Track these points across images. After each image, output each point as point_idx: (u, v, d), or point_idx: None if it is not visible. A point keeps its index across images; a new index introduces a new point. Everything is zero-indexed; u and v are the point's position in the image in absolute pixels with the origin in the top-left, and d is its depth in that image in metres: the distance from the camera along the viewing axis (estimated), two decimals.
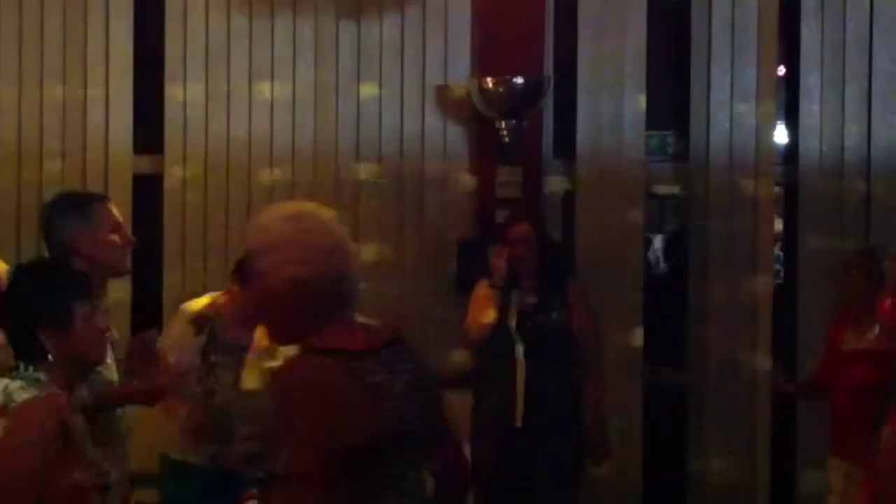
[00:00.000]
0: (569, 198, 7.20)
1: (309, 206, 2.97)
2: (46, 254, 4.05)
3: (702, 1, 7.09)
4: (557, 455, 5.89)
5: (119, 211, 6.71)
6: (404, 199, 6.99)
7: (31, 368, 3.07)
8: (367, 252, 6.91)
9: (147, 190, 6.99)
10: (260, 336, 4.91)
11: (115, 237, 4.03)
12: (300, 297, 2.78)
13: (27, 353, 3.11)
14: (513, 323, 5.88)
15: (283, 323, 2.85)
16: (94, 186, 6.80)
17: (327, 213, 2.89)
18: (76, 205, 4.08)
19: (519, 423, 5.87)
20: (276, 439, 2.76)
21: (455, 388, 6.44)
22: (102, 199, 4.23)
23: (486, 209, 6.93)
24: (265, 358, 4.92)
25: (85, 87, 6.94)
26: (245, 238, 4.82)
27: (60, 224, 3.97)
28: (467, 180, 6.99)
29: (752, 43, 7.08)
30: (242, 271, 4.95)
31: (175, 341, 4.84)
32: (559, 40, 7.14)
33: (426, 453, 2.85)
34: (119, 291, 6.73)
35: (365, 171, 6.98)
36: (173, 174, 6.96)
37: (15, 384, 3.03)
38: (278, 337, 2.93)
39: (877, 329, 5.40)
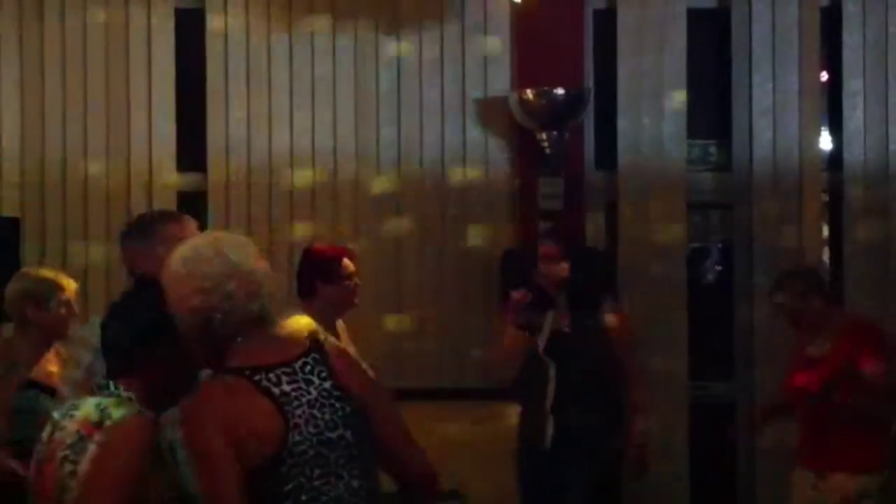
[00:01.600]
0: (611, 209, 7.18)
1: (211, 235, 3.19)
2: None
3: (742, 8, 7.07)
4: (586, 478, 5.76)
5: None
6: (446, 211, 7.00)
7: (121, 388, 3.05)
8: (409, 264, 6.93)
9: (191, 207, 7.02)
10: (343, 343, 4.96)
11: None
12: (207, 324, 2.93)
13: (119, 372, 3.09)
14: (542, 344, 5.79)
15: (203, 349, 3.00)
16: (139, 204, 6.88)
17: (229, 239, 3.07)
18: (145, 225, 4.03)
19: (548, 445, 5.78)
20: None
21: (501, 400, 6.48)
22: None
23: (528, 221, 6.91)
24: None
25: (128, 107, 7.01)
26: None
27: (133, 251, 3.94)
28: (509, 192, 6.98)
29: (794, 50, 7.04)
30: (299, 285, 5.02)
31: None
32: (599, 51, 7.14)
33: (350, 460, 2.96)
34: None
35: (406, 184, 7.00)
36: (217, 192, 7.01)
37: (108, 401, 3.03)
38: (207, 362, 3.05)
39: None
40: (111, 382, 3.08)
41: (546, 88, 6.76)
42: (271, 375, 2.91)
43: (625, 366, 5.83)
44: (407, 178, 7.00)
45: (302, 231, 6.94)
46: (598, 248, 7.03)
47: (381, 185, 7.01)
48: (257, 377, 2.90)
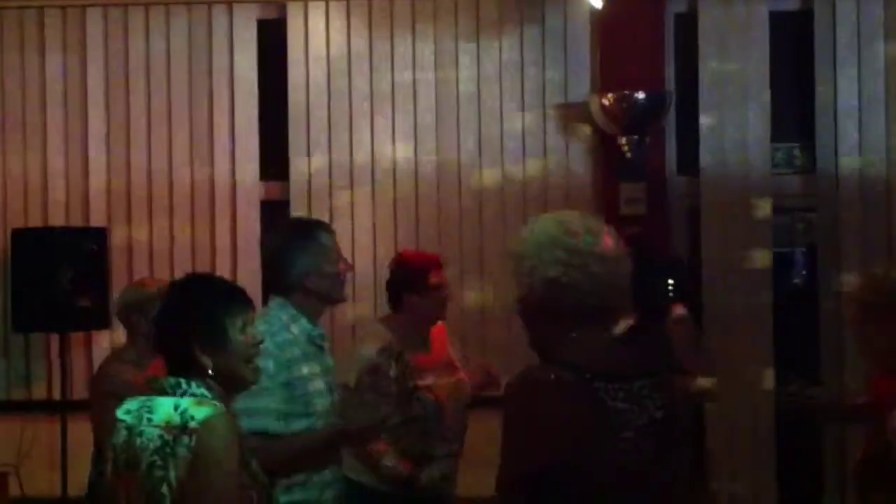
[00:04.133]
0: (694, 214, 7.12)
1: (579, 213, 2.84)
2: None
3: (826, 9, 6.98)
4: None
5: (247, 236, 6.96)
6: (527, 217, 6.96)
7: (193, 385, 3.04)
8: (491, 271, 6.92)
9: (274, 216, 7.10)
10: (436, 352, 4.93)
11: (336, 267, 3.99)
12: (555, 302, 2.68)
13: (186, 370, 3.06)
14: None
15: (536, 328, 2.74)
16: (223, 213, 6.97)
17: (598, 222, 2.79)
18: (301, 234, 4.02)
19: None
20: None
21: None
22: (325, 227, 4.16)
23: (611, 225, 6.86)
24: (446, 371, 4.93)
25: (211, 117, 7.10)
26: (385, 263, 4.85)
27: (285, 253, 3.93)
28: (590, 197, 6.96)
29: (879, 50, 6.94)
30: (389, 296, 4.97)
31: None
32: (680, 54, 7.09)
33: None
34: None
35: (487, 189, 7.00)
36: (299, 200, 7.06)
37: (186, 402, 2.99)
38: (533, 344, 2.80)
39: None
40: (182, 380, 3.04)
41: (627, 92, 6.72)
42: (608, 385, 2.62)
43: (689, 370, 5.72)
44: (487, 184, 7.00)
45: (384, 239, 6.97)
46: (677, 253, 6.96)
47: (461, 191, 7.01)
48: (597, 384, 2.61)
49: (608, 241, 2.74)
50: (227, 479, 2.95)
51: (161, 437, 2.97)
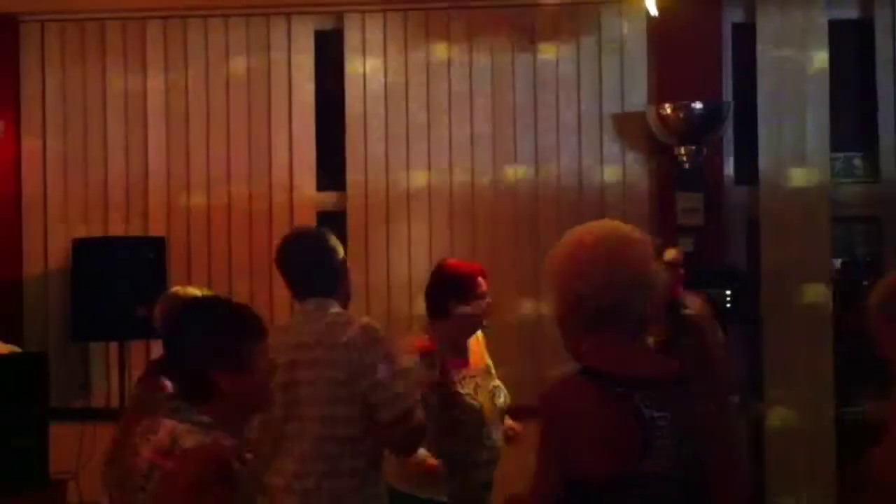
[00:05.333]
0: (753, 225, 7.06)
1: (609, 223, 2.93)
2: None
3: (886, 17, 6.91)
4: None
5: None
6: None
7: (195, 412, 2.97)
8: (547, 281, 6.90)
9: (331, 227, 7.10)
10: (475, 359, 4.94)
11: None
12: (579, 312, 2.75)
13: (195, 393, 3.01)
14: None
15: (570, 338, 2.81)
16: (280, 224, 6.99)
17: (626, 231, 2.86)
18: (335, 242, 4.32)
19: None
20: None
21: None
22: None
23: (668, 237, 6.82)
24: (486, 377, 4.94)
25: (269, 128, 7.14)
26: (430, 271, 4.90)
27: (331, 258, 4.21)
28: (647, 208, 6.92)
29: None
30: (430, 304, 4.98)
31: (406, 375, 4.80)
32: (739, 64, 7.04)
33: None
34: None
35: (543, 200, 6.98)
36: (356, 210, 7.08)
37: (182, 427, 2.96)
38: (570, 353, 2.85)
39: None
40: (184, 405, 3.00)
41: (684, 102, 6.69)
42: (642, 392, 2.66)
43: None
44: (544, 194, 6.99)
45: (439, 249, 6.97)
46: (734, 264, 6.90)
47: (518, 202, 7.00)
48: (631, 392, 2.65)
49: (631, 253, 2.79)
50: None
51: (150, 460, 2.97)
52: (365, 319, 4.20)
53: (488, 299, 4.95)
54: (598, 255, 2.77)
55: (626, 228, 2.86)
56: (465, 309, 4.84)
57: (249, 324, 3.09)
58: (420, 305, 6.75)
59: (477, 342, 5.02)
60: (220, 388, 2.98)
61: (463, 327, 4.90)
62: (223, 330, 3.04)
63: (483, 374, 4.95)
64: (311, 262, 4.20)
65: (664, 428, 2.63)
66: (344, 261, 4.27)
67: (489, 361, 5.06)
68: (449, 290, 4.88)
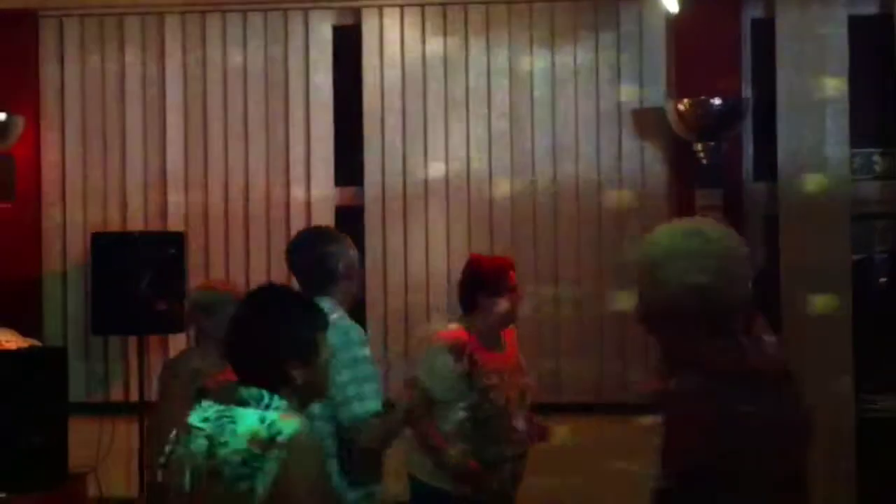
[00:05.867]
0: (771, 221, 7.04)
1: (705, 220, 2.82)
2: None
3: None
4: None
5: None
6: (601, 223, 6.96)
7: (276, 398, 3.04)
8: (565, 277, 6.90)
9: (348, 222, 7.13)
10: (507, 354, 4.95)
11: (357, 270, 4.31)
12: (699, 307, 2.65)
13: (271, 383, 3.06)
14: None
15: (676, 336, 2.70)
16: (298, 219, 7.02)
17: (724, 228, 2.76)
18: (334, 238, 4.32)
19: None
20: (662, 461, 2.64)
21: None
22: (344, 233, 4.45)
23: None
24: (517, 373, 4.96)
25: (287, 123, 7.15)
26: (462, 269, 4.89)
27: (323, 255, 4.19)
28: (665, 204, 6.91)
29: None
30: (462, 299, 5.01)
31: (435, 370, 4.82)
32: (757, 60, 7.02)
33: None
34: None
35: (562, 196, 6.98)
36: (373, 206, 7.09)
37: (272, 415, 3.00)
38: (670, 352, 2.76)
39: None
40: (265, 393, 3.04)
41: (703, 98, 6.67)
42: (744, 390, 2.61)
43: None
44: (562, 189, 6.98)
45: (457, 244, 6.98)
46: (753, 261, 6.88)
47: (536, 197, 7.00)
48: (740, 389, 2.61)
49: (740, 244, 2.73)
50: (315, 495, 2.97)
51: (247, 449, 2.96)
52: (345, 322, 4.13)
53: (519, 293, 5.00)
54: (719, 248, 2.68)
55: (721, 225, 2.78)
56: (495, 302, 4.86)
57: (319, 315, 3.21)
58: (437, 300, 6.85)
59: (511, 338, 5.05)
60: (291, 377, 3.08)
61: (494, 320, 4.94)
62: (299, 320, 3.15)
63: (515, 371, 4.97)
64: (304, 264, 4.25)
65: (770, 420, 2.64)
66: (347, 260, 4.24)
67: (522, 360, 5.08)
68: (479, 284, 4.94)
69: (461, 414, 4.79)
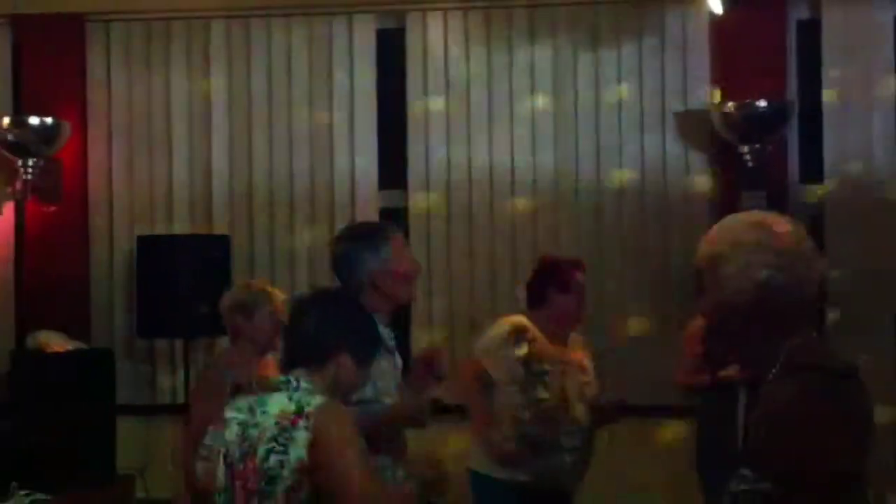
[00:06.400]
0: (817, 223, 6.99)
1: (773, 214, 2.72)
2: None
3: None
4: None
5: None
6: (647, 225, 6.95)
7: (302, 380, 3.12)
8: (609, 280, 6.89)
9: (393, 223, 7.13)
10: (572, 348, 4.98)
11: (402, 268, 4.01)
12: (771, 302, 2.58)
13: (314, 364, 3.17)
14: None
15: (746, 331, 2.61)
16: (342, 222, 7.01)
17: (791, 222, 2.67)
18: (367, 236, 4.07)
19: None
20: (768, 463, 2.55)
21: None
22: (393, 229, 4.17)
23: None
24: (578, 371, 4.98)
25: (331, 127, 7.18)
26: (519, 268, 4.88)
27: (351, 255, 4.00)
28: (710, 206, 6.89)
29: None
30: (530, 294, 5.02)
31: (493, 350, 4.89)
32: (803, 61, 6.98)
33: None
34: None
35: (605, 198, 6.97)
36: (417, 206, 7.11)
37: (299, 393, 3.09)
38: (738, 346, 2.68)
39: None
40: (291, 377, 3.13)
41: (748, 101, 6.65)
42: (843, 384, 2.54)
43: None
44: (606, 192, 6.98)
45: (501, 245, 6.99)
46: None
47: (580, 199, 6.99)
48: (841, 384, 2.54)
49: (806, 242, 2.70)
50: (353, 452, 3.01)
51: (277, 424, 3.05)
52: None
53: (584, 294, 5.04)
54: (784, 242, 2.59)
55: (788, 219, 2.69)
56: (563, 297, 4.92)
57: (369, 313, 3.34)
58: (481, 303, 6.86)
59: (577, 343, 5.08)
60: (333, 365, 3.18)
61: (561, 316, 4.99)
62: (364, 319, 3.30)
63: (578, 368, 4.99)
64: (335, 272, 4.20)
65: (861, 415, 2.57)
66: (369, 267, 3.97)
67: (587, 363, 5.09)
68: (548, 279, 5.01)
69: (515, 398, 4.83)
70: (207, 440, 3.21)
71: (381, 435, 3.74)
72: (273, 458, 3.03)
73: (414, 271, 4.06)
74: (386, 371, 3.92)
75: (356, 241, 4.03)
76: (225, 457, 3.13)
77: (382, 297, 3.93)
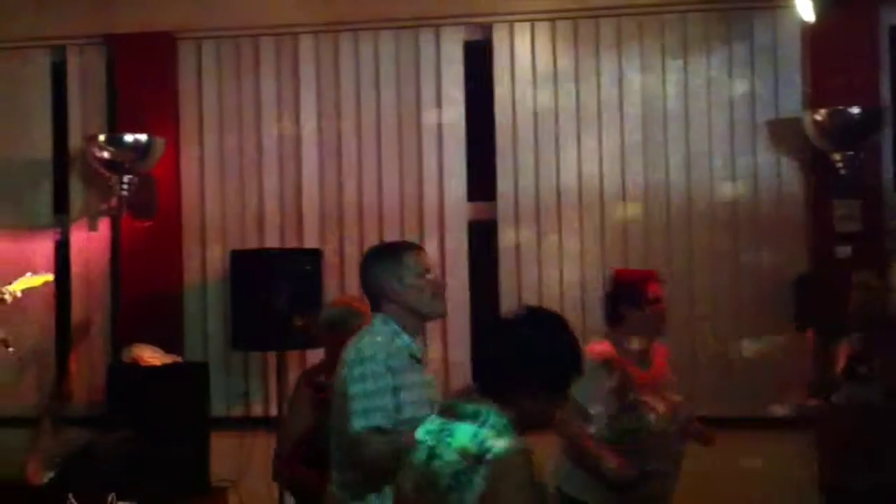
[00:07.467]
0: None
1: None
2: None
3: None
4: None
5: (456, 257, 7.03)
6: (739, 234, 6.88)
7: (492, 415, 3.08)
8: (701, 289, 6.83)
9: (482, 237, 7.17)
10: (655, 371, 4.93)
11: (422, 282, 4.08)
12: None
13: (504, 396, 3.11)
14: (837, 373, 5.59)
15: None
16: (431, 234, 7.07)
17: None
18: (386, 254, 4.18)
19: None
20: None
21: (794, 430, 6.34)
22: (411, 246, 4.27)
23: (824, 244, 6.72)
24: (666, 391, 4.94)
25: (419, 137, 7.20)
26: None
27: (372, 273, 4.11)
28: (803, 215, 6.81)
29: None
30: (607, 313, 4.98)
31: (588, 385, 4.70)
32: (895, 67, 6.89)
33: None
34: (461, 335, 6.96)
35: (695, 208, 6.92)
36: (506, 219, 7.11)
37: (486, 432, 3.05)
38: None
39: None
40: (483, 409, 3.09)
41: (840, 108, 6.56)
42: None
43: None
44: (697, 201, 6.92)
45: (592, 257, 6.97)
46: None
47: (670, 209, 6.95)
48: None
49: None
50: None
51: (457, 462, 3.04)
52: (371, 339, 4.05)
53: (663, 305, 4.94)
54: None
55: None
56: (637, 313, 4.85)
57: (578, 357, 3.24)
58: (572, 314, 6.83)
59: (661, 354, 5.02)
60: (524, 398, 3.12)
61: (638, 333, 4.91)
62: (563, 350, 3.19)
63: (664, 387, 4.94)
64: (364, 291, 4.22)
65: None
66: (389, 284, 4.04)
67: (671, 376, 5.04)
68: (620, 295, 4.93)
69: (609, 428, 4.78)
70: (406, 460, 3.25)
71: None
72: (452, 496, 3.03)
73: (431, 284, 4.10)
74: (416, 383, 3.99)
75: (376, 258, 4.15)
76: (414, 479, 3.16)
77: (407, 312, 4.03)
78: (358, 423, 3.86)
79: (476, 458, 3.01)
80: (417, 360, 4.06)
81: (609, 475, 4.72)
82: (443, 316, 4.37)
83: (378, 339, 4.00)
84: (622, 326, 4.90)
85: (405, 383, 3.96)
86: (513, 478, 2.99)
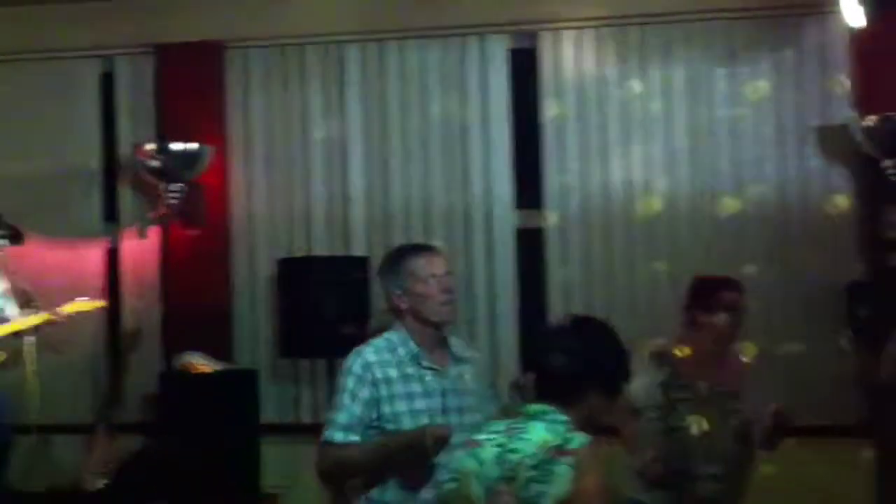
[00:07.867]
0: None
1: None
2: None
3: None
4: None
5: (504, 264, 7.03)
6: (789, 242, 6.86)
7: (557, 413, 3.15)
8: (751, 297, 6.79)
9: (529, 244, 7.18)
10: (723, 377, 4.93)
11: (427, 288, 3.93)
12: None
13: (567, 400, 3.18)
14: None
15: None
16: (479, 242, 7.10)
17: None
18: (389, 262, 4.05)
19: None
20: None
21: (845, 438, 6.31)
22: (418, 250, 4.09)
23: (875, 251, 6.69)
24: (724, 399, 4.93)
25: (466, 148, 7.21)
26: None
27: (381, 284, 4.05)
28: (853, 222, 6.78)
29: None
30: (685, 319, 4.99)
31: (637, 378, 4.83)
32: None
33: None
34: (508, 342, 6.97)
35: (745, 215, 6.90)
36: (553, 226, 7.11)
37: (560, 427, 3.14)
38: None
39: None
40: (546, 407, 3.17)
41: (890, 114, 6.53)
42: None
43: None
44: (745, 210, 6.90)
45: (640, 264, 6.96)
46: None
47: (719, 217, 6.93)
48: None
49: None
50: (605, 498, 3.08)
51: (539, 455, 3.09)
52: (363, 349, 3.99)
53: (738, 312, 4.90)
54: None
55: None
56: (707, 319, 4.86)
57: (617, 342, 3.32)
58: (622, 322, 6.79)
59: (736, 368, 4.99)
60: (586, 401, 3.19)
61: (710, 338, 4.90)
62: (618, 354, 3.26)
63: (725, 395, 4.91)
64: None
65: None
66: (391, 291, 3.94)
67: (745, 390, 5.00)
68: (692, 300, 4.93)
69: (654, 423, 4.79)
70: (454, 465, 3.28)
71: (396, 464, 3.80)
72: (533, 488, 3.08)
73: (437, 292, 3.92)
74: (415, 393, 3.91)
75: (381, 267, 4.08)
76: (478, 476, 3.18)
77: (416, 321, 3.93)
78: (323, 433, 3.88)
79: (558, 450, 3.08)
80: (426, 368, 3.93)
81: (638, 470, 4.75)
82: (451, 323, 4.08)
83: (367, 350, 3.92)
84: (694, 331, 4.91)
85: (398, 393, 3.87)
86: (596, 468, 3.08)
